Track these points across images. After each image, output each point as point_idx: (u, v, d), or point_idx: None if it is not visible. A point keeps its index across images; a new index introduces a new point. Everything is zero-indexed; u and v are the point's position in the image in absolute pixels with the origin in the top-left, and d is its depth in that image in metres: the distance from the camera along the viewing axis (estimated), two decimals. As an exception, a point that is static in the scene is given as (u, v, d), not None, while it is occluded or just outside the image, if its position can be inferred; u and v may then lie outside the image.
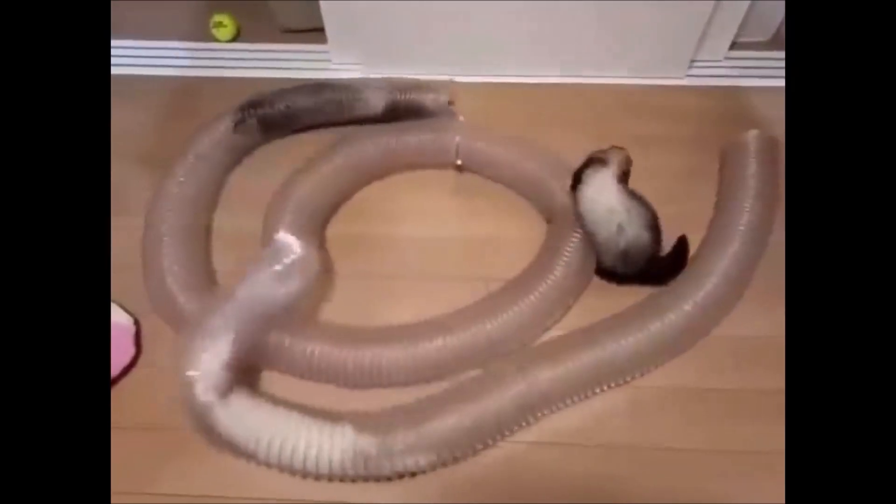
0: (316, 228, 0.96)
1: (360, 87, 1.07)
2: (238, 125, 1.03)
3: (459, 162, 1.03)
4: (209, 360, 0.73)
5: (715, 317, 0.86)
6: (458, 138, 1.01)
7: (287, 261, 0.79)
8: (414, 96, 1.06)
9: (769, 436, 0.77)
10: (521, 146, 1.02)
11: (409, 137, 1.02)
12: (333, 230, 0.99)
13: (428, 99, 1.06)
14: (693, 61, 1.21)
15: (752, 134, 0.97)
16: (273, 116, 1.05)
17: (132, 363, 0.84)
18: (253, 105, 1.05)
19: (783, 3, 1.19)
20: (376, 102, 1.06)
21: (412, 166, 1.05)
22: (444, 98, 1.07)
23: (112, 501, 0.75)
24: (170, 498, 0.75)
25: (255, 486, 0.75)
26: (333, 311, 0.90)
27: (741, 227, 0.88)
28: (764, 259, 0.91)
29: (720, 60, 1.24)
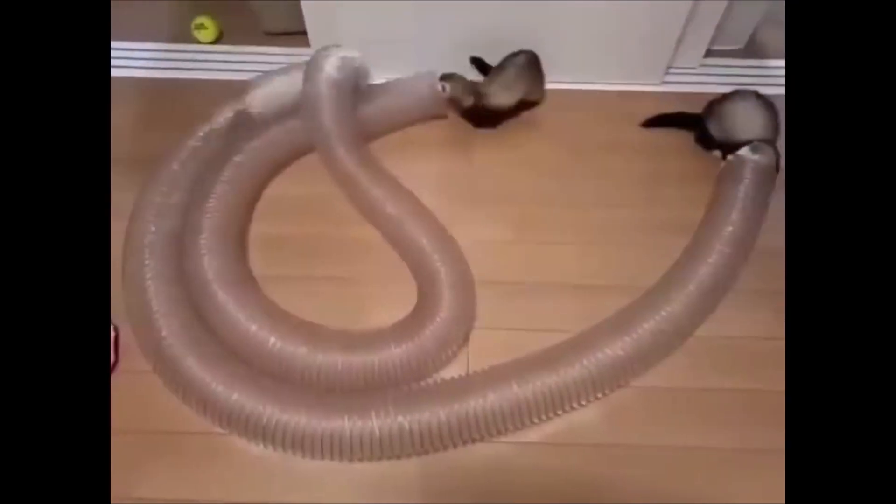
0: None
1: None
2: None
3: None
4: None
5: (697, 319, 0.89)
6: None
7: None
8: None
9: (756, 435, 0.80)
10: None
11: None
12: (305, 231, 1.00)
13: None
14: (669, 68, 1.24)
15: (750, 157, 1.01)
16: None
17: (111, 369, 0.83)
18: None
19: (758, 11, 1.23)
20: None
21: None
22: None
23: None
24: (146, 501, 0.74)
25: (229, 488, 0.75)
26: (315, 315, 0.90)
27: (725, 235, 0.92)
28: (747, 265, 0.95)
29: (696, 67, 1.27)
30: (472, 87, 1.11)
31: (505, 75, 1.12)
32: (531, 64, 1.13)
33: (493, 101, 1.11)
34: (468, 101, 1.10)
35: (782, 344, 0.87)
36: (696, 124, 1.11)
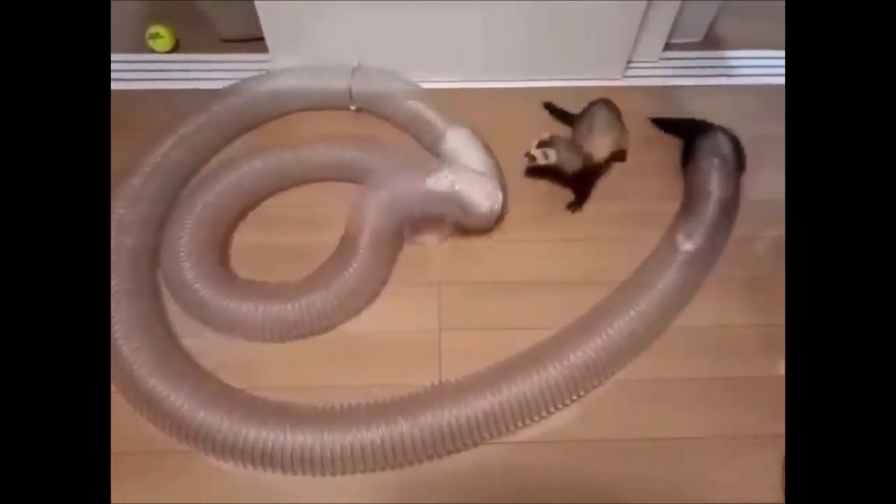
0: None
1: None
2: None
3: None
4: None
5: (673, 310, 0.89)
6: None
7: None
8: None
9: (738, 422, 0.81)
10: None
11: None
12: (293, 239, 0.99)
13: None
14: (630, 62, 1.25)
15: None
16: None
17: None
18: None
19: (713, 4, 1.25)
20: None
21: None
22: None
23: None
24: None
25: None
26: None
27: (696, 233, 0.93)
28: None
29: (656, 61, 1.29)
30: (576, 147, 0.97)
31: (597, 120, 1.01)
32: (612, 108, 1.05)
33: (598, 152, 0.99)
34: (576, 164, 0.97)
35: (756, 331, 0.90)
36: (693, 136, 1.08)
